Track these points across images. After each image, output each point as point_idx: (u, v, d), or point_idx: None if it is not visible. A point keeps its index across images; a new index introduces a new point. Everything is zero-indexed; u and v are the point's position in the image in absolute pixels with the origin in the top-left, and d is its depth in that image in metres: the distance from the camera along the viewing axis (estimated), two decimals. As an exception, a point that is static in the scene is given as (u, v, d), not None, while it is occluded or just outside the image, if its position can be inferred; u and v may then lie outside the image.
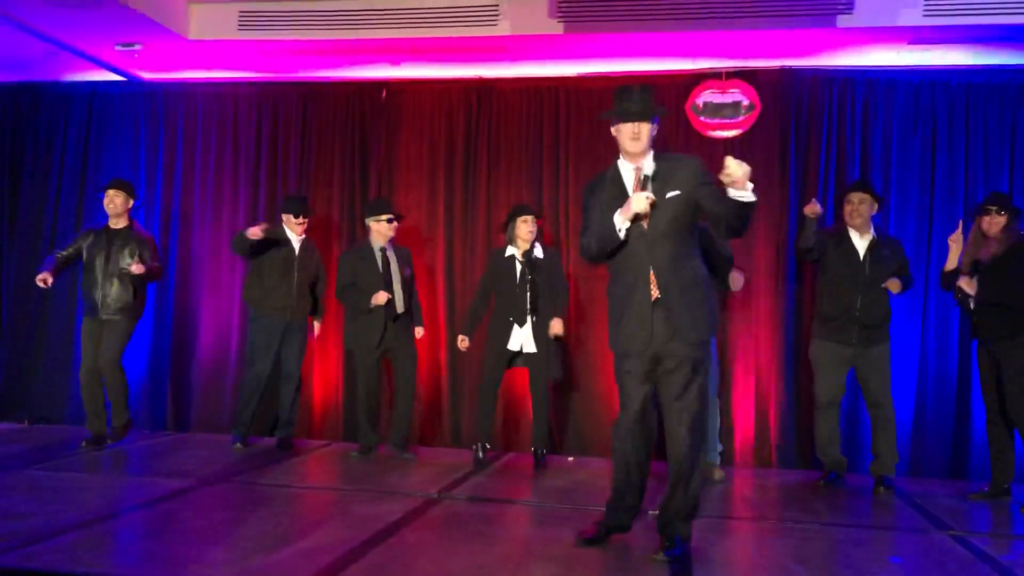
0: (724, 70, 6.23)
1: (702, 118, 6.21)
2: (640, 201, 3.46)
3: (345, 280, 5.68)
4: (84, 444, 5.69)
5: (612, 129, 3.65)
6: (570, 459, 5.96)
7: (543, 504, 4.55)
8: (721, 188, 3.34)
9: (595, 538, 3.70)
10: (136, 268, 5.66)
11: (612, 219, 3.51)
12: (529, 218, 5.48)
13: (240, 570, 3.21)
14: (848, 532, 4.16)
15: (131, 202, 5.91)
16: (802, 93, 6.21)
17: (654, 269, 3.51)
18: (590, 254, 3.70)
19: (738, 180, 3.26)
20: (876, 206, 5.24)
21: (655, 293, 3.51)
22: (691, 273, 3.56)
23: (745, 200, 3.30)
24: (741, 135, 6.20)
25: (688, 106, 6.24)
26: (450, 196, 6.66)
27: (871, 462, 5.23)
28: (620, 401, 3.66)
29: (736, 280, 5.29)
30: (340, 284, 5.73)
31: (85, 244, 5.79)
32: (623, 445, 3.65)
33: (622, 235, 3.51)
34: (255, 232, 5.56)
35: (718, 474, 5.31)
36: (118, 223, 5.84)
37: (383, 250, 5.69)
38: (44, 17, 5.70)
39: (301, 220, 5.92)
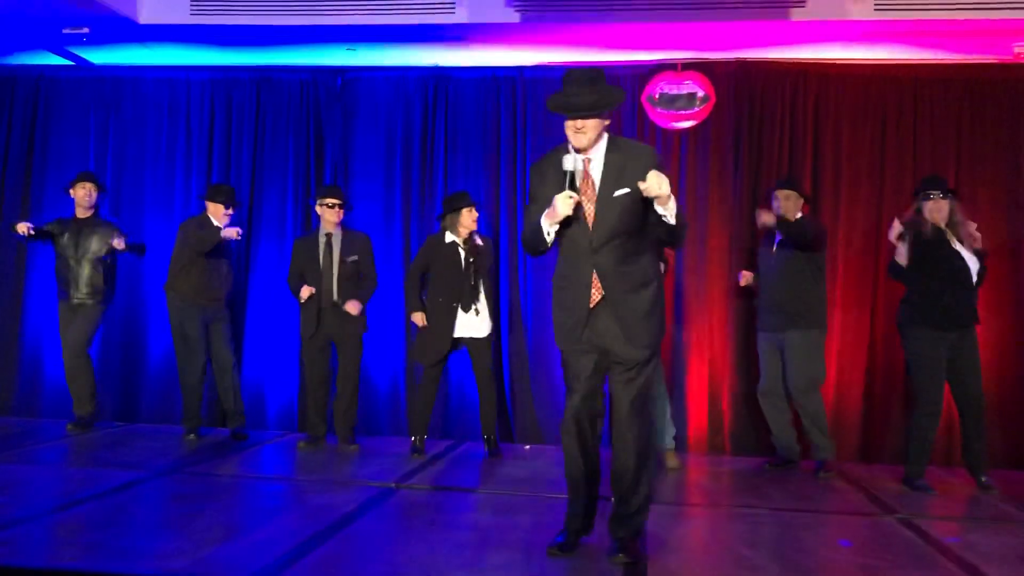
0: (680, 61, 6.28)
1: (657, 109, 6.25)
2: (564, 204, 3.20)
3: (293, 267, 5.69)
4: (70, 427, 5.87)
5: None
6: (527, 447, 5.99)
7: (500, 492, 4.56)
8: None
9: (566, 545, 3.46)
10: (118, 242, 5.82)
11: (540, 222, 3.30)
12: (474, 207, 5.50)
13: (194, 561, 3.17)
14: (798, 517, 4.23)
15: (99, 193, 6.11)
16: (756, 85, 6.29)
17: (597, 271, 3.30)
18: (526, 248, 3.51)
19: (659, 198, 3.13)
20: (802, 201, 5.44)
21: (596, 297, 3.32)
22: (640, 275, 3.34)
23: (666, 220, 3.19)
24: (695, 126, 6.26)
25: (644, 97, 6.27)
26: (407, 185, 6.63)
27: (810, 448, 5.36)
28: (566, 395, 3.48)
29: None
30: (289, 272, 5.73)
31: (56, 231, 5.98)
32: (567, 440, 3.45)
33: (550, 240, 3.32)
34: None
35: (673, 461, 5.37)
36: (86, 213, 6.01)
37: (328, 236, 5.65)
38: (-13, -4, 5.55)
39: (229, 210, 5.85)
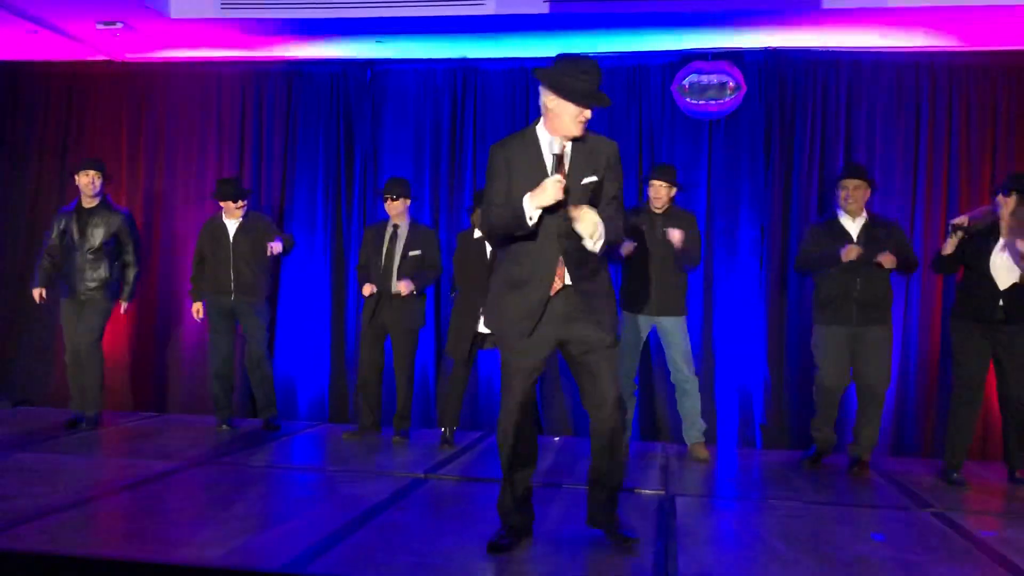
0: (710, 51, 6.23)
1: (687, 99, 6.21)
2: (555, 188, 3.15)
3: (361, 255, 5.76)
4: (67, 424, 5.71)
5: (546, 97, 3.26)
6: (556, 439, 5.99)
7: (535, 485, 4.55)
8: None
9: (508, 545, 3.37)
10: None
11: (522, 204, 3.19)
12: None
13: (227, 550, 3.21)
14: (831, 510, 4.20)
15: (104, 181, 5.86)
16: (787, 75, 6.22)
17: (564, 256, 3.24)
18: (494, 232, 3.34)
19: (586, 232, 3.14)
20: (869, 191, 5.16)
21: (557, 285, 3.26)
22: (595, 261, 3.30)
23: (588, 248, 3.18)
24: (726, 116, 6.21)
25: (674, 86, 6.23)
26: (435, 177, 6.64)
27: (850, 443, 5.22)
28: (502, 393, 3.38)
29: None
30: (359, 260, 5.81)
31: (59, 229, 5.77)
32: (507, 440, 3.35)
33: (532, 223, 3.20)
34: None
35: (703, 453, 5.34)
36: (92, 202, 5.79)
37: (395, 227, 5.66)
38: (23, -6, 5.63)
39: (240, 203, 5.85)
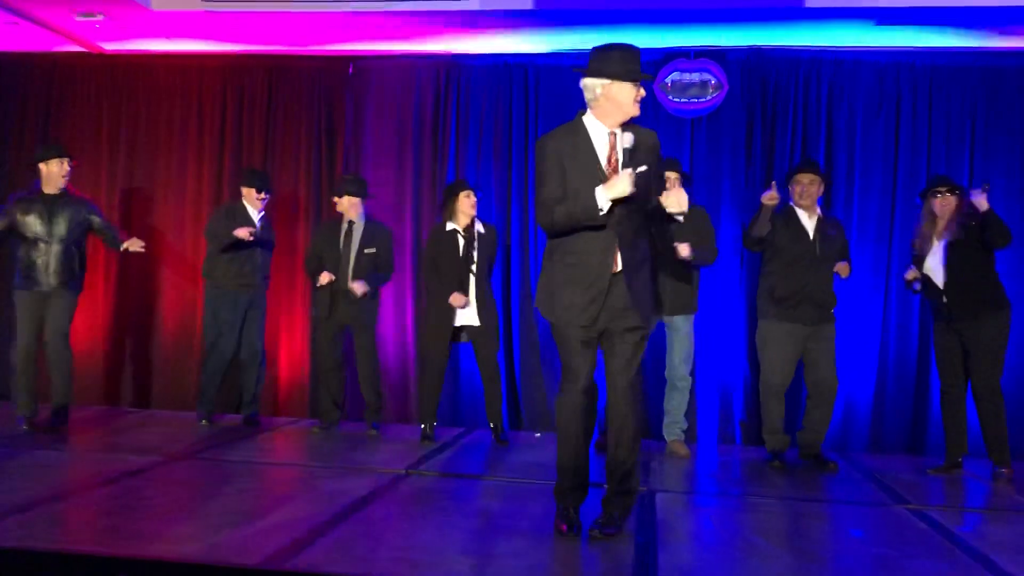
0: (693, 49, 6.25)
1: (670, 97, 6.23)
2: (627, 182, 3.25)
3: (312, 250, 5.75)
4: (25, 427, 5.40)
5: (598, 88, 3.36)
6: (537, 435, 6.00)
7: (510, 479, 4.57)
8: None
9: (572, 529, 3.46)
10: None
11: (593, 196, 3.28)
12: (471, 192, 5.47)
13: (207, 546, 3.19)
14: (810, 507, 4.24)
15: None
16: (769, 74, 6.25)
17: (619, 242, 3.36)
18: (557, 227, 3.40)
19: (681, 207, 3.38)
20: (823, 187, 5.26)
21: (616, 267, 3.38)
22: (644, 250, 3.50)
23: (677, 220, 3.47)
24: (708, 114, 6.23)
25: (656, 84, 6.25)
26: (418, 172, 6.63)
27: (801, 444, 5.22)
28: (564, 375, 3.49)
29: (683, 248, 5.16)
30: (307, 255, 5.79)
31: (19, 215, 5.37)
32: (569, 422, 3.47)
33: (603, 214, 3.29)
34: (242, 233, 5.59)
35: (683, 450, 5.37)
36: (56, 189, 5.45)
37: (350, 224, 5.66)
38: (2, -15, 5.57)
39: (263, 195, 5.85)
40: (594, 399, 3.53)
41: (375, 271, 5.66)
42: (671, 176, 5.22)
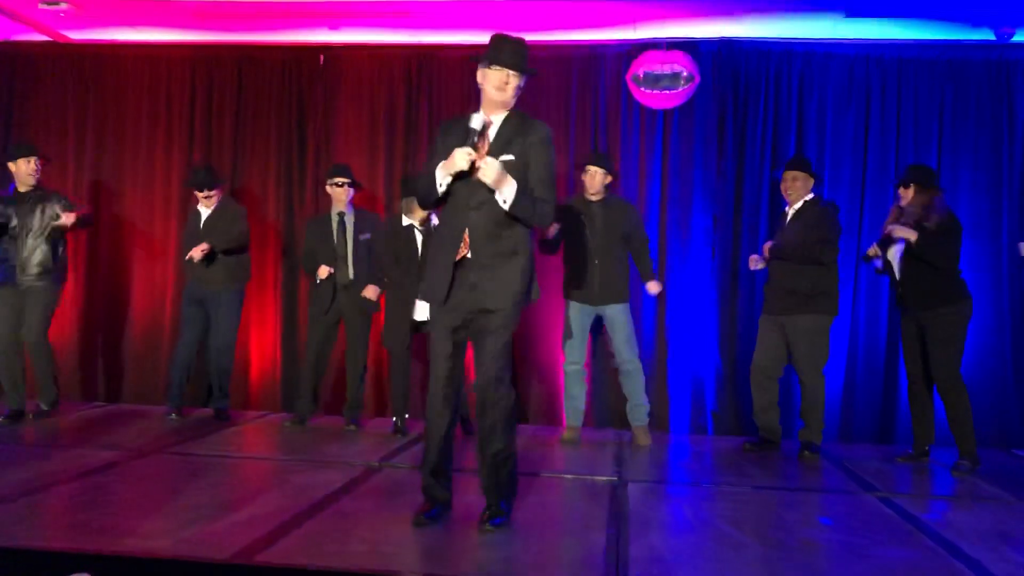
0: (665, 41, 6.27)
1: (642, 88, 6.24)
2: (461, 158, 3.29)
3: (307, 248, 5.73)
4: (2, 420, 5.42)
5: (479, 75, 3.47)
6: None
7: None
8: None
9: (435, 515, 3.54)
10: (67, 218, 5.48)
11: (434, 172, 3.39)
12: None
13: (176, 540, 3.16)
14: (780, 495, 4.27)
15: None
16: (740, 66, 6.28)
17: (469, 228, 3.37)
18: (418, 198, 3.61)
19: (487, 178, 3.29)
20: (812, 181, 5.30)
21: (463, 252, 3.38)
22: (511, 243, 3.40)
23: (504, 203, 3.32)
24: (680, 106, 6.26)
25: (628, 76, 6.26)
26: (390, 164, 6.59)
27: (800, 428, 5.36)
28: (430, 362, 3.52)
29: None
30: (303, 254, 5.79)
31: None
32: (428, 409, 3.49)
33: (441, 190, 3.39)
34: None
35: (645, 439, 5.42)
36: (27, 187, 5.56)
37: (340, 215, 5.62)
38: (-38, -28, 5.46)
39: (207, 193, 5.77)
40: (454, 387, 3.50)
41: (372, 257, 5.63)
42: (590, 169, 5.31)
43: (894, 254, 5.02)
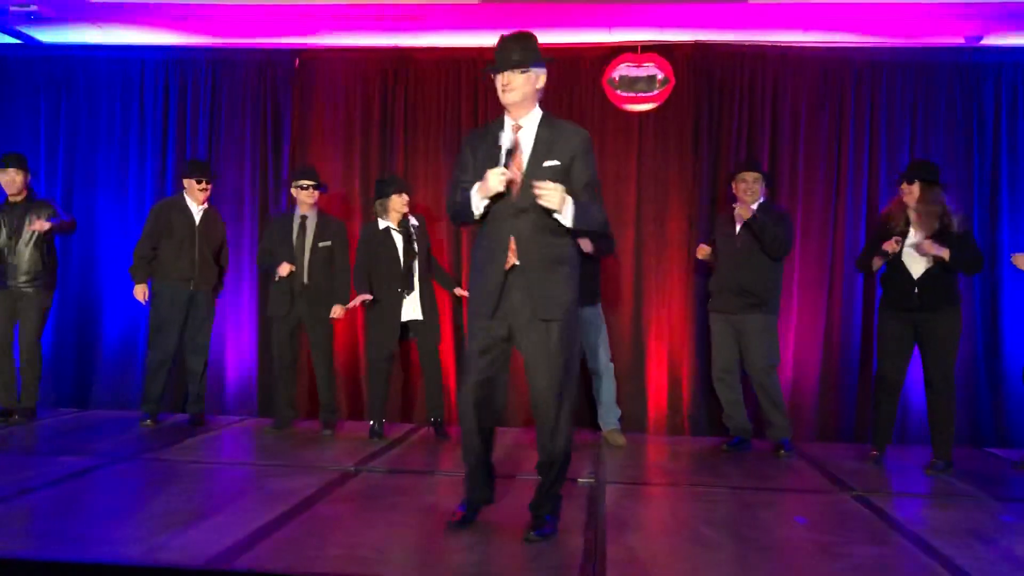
0: (640, 44, 6.29)
1: (618, 91, 6.27)
2: (496, 180, 3.23)
3: (263, 245, 5.67)
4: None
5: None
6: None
7: (460, 474, 4.52)
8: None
9: (465, 519, 3.52)
10: (38, 225, 5.59)
11: (470, 196, 3.33)
12: (405, 193, 5.46)
13: (149, 547, 3.13)
14: (756, 495, 4.29)
15: (28, 176, 5.81)
16: (715, 68, 6.31)
17: (515, 238, 3.30)
18: (451, 216, 3.53)
19: (551, 204, 3.20)
20: (764, 183, 5.43)
21: (511, 261, 3.31)
22: (557, 250, 3.34)
23: (563, 223, 3.25)
24: (655, 109, 6.28)
25: (604, 79, 6.28)
26: (365, 167, 6.57)
27: (767, 428, 5.42)
28: (464, 368, 3.48)
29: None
30: (259, 250, 5.73)
31: None
32: (465, 416, 3.46)
33: (478, 214, 3.34)
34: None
35: (621, 439, 5.43)
36: (17, 198, 5.78)
37: (303, 218, 5.59)
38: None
39: (204, 186, 5.75)
40: (488, 394, 3.43)
41: (330, 264, 5.59)
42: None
43: (911, 255, 4.91)
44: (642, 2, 5.63)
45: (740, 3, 5.59)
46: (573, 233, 3.37)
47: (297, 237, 5.55)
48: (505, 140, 3.29)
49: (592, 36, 6.29)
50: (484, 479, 3.59)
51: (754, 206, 5.33)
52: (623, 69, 6.26)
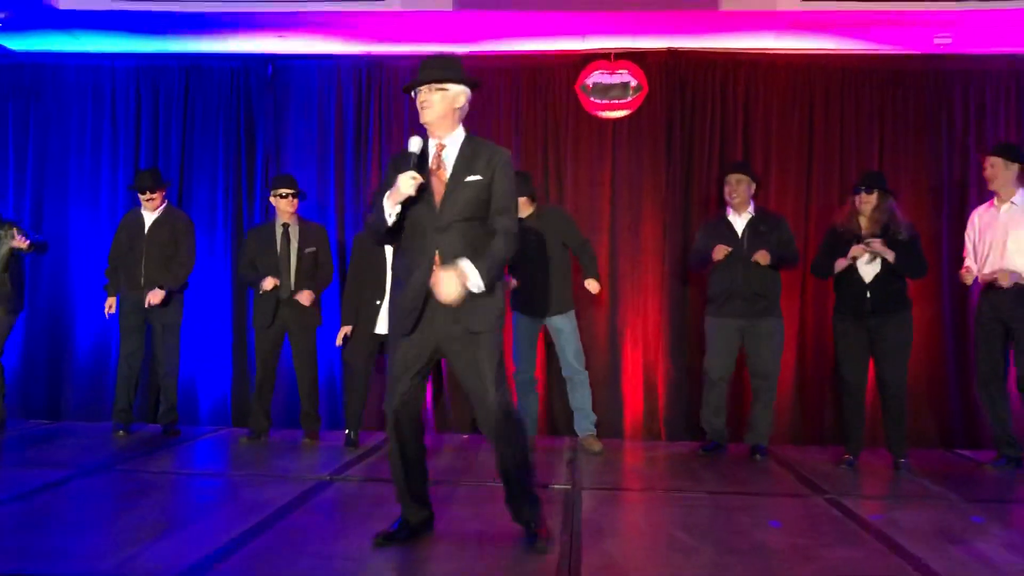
0: (613, 51, 6.32)
1: (591, 98, 6.30)
2: (406, 184, 3.14)
3: (245, 257, 5.64)
4: None
5: None
6: (464, 436, 5.99)
7: (436, 483, 4.52)
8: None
9: (391, 536, 3.41)
10: (19, 241, 5.54)
11: (383, 203, 3.24)
12: None
13: (121, 560, 3.10)
14: (731, 499, 4.31)
15: None
16: (688, 75, 6.36)
17: (440, 253, 3.20)
18: (370, 235, 3.48)
19: (451, 297, 3.13)
20: (755, 186, 5.43)
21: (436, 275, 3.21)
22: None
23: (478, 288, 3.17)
24: (629, 115, 6.32)
25: (578, 86, 6.31)
26: (340, 174, 6.55)
27: (747, 432, 5.46)
28: (387, 389, 3.36)
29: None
30: (241, 262, 5.70)
31: None
32: (389, 437, 3.38)
33: (391, 221, 3.23)
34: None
35: (597, 446, 5.44)
36: None
37: (285, 227, 5.56)
38: None
39: (147, 196, 5.71)
40: (412, 413, 3.35)
41: (315, 272, 5.57)
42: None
43: (866, 261, 5.01)
44: (615, 10, 5.66)
45: (712, 11, 5.63)
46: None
47: (281, 246, 5.51)
48: (413, 145, 3.25)
49: (565, 44, 6.31)
50: (412, 498, 3.48)
51: (749, 212, 5.36)
52: (597, 76, 6.28)
